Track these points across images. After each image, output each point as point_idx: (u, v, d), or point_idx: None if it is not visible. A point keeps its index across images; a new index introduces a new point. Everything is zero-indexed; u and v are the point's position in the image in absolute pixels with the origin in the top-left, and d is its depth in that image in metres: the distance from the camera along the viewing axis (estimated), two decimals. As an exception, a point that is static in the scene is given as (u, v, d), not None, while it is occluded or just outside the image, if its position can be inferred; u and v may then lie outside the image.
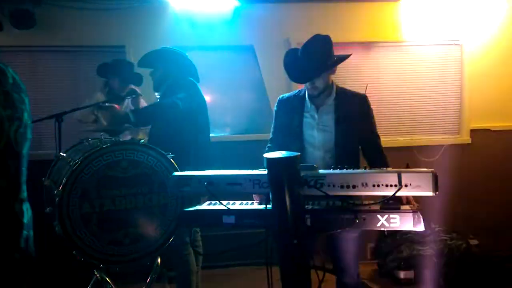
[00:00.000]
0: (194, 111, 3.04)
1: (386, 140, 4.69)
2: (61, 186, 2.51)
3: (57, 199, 2.49)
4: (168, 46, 3.38)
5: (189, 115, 2.97)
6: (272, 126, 2.82)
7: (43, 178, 3.02)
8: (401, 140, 4.89)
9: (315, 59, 2.49)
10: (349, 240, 2.56)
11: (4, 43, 4.32)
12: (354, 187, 1.69)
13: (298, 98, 2.70)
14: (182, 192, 2.04)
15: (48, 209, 2.93)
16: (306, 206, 1.82)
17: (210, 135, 3.27)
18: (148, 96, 3.78)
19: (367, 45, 4.81)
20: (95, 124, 4.23)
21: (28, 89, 4.17)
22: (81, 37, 4.44)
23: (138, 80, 3.90)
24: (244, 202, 2.00)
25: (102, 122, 3.74)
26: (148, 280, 2.91)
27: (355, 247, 2.61)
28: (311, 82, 2.55)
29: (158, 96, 3.21)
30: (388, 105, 4.89)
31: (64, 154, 3.02)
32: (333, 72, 2.62)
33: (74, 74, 4.55)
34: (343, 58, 2.62)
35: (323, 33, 2.59)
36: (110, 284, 2.77)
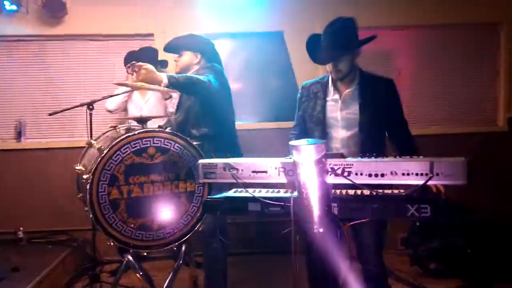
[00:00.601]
0: (224, 95, 3.02)
1: (419, 128, 4.63)
2: (91, 173, 2.56)
3: (87, 185, 2.54)
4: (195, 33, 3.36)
5: (220, 95, 2.94)
6: (296, 113, 2.77)
7: (75, 165, 3.09)
8: (435, 128, 4.75)
9: (338, 38, 2.43)
10: (374, 228, 2.51)
11: (37, 32, 4.41)
12: (382, 175, 1.64)
13: (322, 84, 2.64)
14: (208, 179, 2.03)
15: (80, 194, 3.01)
16: (332, 195, 1.79)
17: (237, 122, 3.25)
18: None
19: (400, 29, 4.68)
20: (124, 112, 4.31)
21: (60, 78, 4.31)
22: (110, 26, 4.48)
23: (163, 67, 3.93)
24: (271, 190, 1.98)
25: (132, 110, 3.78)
26: (175, 265, 2.95)
27: (379, 236, 2.55)
28: (334, 65, 2.48)
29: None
30: (423, 92, 4.75)
31: (95, 141, 3.07)
32: (357, 55, 2.54)
33: (105, 62, 4.60)
34: (368, 40, 2.53)
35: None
36: (139, 268, 2.82)
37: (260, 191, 1.97)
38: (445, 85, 4.77)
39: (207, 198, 2.18)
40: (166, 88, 2.63)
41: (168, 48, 3.20)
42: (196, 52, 3.10)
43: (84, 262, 3.96)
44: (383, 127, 2.58)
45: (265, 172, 1.85)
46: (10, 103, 4.55)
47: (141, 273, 2.87)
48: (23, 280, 3.15)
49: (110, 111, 4.21)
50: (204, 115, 2.95)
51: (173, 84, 2.61)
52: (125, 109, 4.28)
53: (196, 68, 3.07)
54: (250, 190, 1.94)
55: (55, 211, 4.31)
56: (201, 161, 2.04)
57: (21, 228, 4.12)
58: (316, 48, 2.51)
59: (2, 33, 4.41)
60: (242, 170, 1.87)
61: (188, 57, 3.10)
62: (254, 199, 1.90)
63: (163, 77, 2.56)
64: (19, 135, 4.52)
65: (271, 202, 1.86)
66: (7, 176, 4.36)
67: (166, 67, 4.02)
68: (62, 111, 3.52)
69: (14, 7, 4.25)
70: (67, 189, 3.73)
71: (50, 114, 3.51)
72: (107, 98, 3.62)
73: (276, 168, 1.82)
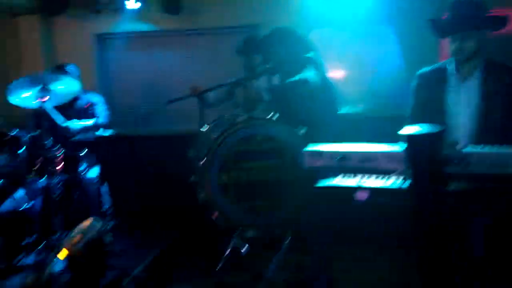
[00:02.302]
0: (321, 87, 3.01)
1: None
2: (202, 158, 2.72)
3: (199, 170, 2.71)
4: (280, 26, 3.36)
5: (318, 91, 2.95)
6: (411, 103, 2.63)
7: (188, 151, 3.30)
8: None
9: (470, 9, 2.25)
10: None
11: (155, 28, 4.75)
12: (505, 166, 1.52)
13: (440, 72, 2.47)
14: (314, 167, 2.04)
15: (192, 178, 3.21)
16: (449, 187, 1.69)
17: (343, 112, 3.22)
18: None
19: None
20: (230, 102, 4.45)
21: (175, 71, 4.55)
22: (218, 18, 4.67)
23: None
24: (381, 178, 1.93)
25: (238, 99, 3.90)
26: (280, 250, 3.01)
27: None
28: (462, 39, 2.29)
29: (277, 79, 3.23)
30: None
31: (206, 129, 3.25)
32: (485, 36, 2.33)
33: (213, 55, 4.82)
34: (500, 20, 2.30)
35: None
36: (246, 250, 2.93)
37: (368, 179, 1.94)
38: None
39: (313, 186, 2.19)
40: None
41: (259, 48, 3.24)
42: (286, 46, 3.15)
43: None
44: (509, 120, 2.35)
45: (375, 160, 1.81)
46: (131, 93, 4.98)
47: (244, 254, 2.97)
48: (142, 252, 3.46)
49: (210, 104, 4.32)
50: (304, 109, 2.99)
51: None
52: (229, 99, 4.42)
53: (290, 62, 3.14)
54: (358, 178, 1.91)
55: (168, 194, 4.59)
56: (307, 148, 2.05)
57: (142, 206, 4.48)
58: (439, 22, 2.35)
59: (124, 30, 4.83)
60: (350, 157, 1.85)
61: (279, 52, 3.18)
62: (361, 189, 1.87)
63: None
64: (136, 123, 4.93)
65: (380, 191, 1.82)
66: (129, 160, 4.75)
67: None
68: (176, 100, 3.78)
69: (137, 5, 4.61)
70: (181, 173, 3.98)
71: (167, 103, 3.79)
72: (216, 88, 3.79)
73: (387, 156, 1.77)
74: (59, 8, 4.68)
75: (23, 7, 4.68)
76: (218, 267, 3.00)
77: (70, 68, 4.03)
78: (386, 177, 2.03)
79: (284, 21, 3.72)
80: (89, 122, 3.82)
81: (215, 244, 3.42)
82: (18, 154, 3.32)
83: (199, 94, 3.62)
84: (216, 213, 2.74)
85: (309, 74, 2.89)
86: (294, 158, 2.73)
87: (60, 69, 4.01)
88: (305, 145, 2.65)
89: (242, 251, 2.99)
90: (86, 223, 3.02)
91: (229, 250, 3.16)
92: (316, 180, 2.70)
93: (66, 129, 3.60)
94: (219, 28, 4.75)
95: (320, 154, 1.94)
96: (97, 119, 3.90)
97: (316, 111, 2.99)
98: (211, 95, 3.95)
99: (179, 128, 4.84)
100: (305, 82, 2.83)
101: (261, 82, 4.02)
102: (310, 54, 3.12)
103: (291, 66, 3.06)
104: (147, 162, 4.68)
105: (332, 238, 3.22)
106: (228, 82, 3.96)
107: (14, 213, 3.32)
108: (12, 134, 3.33)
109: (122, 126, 4.39)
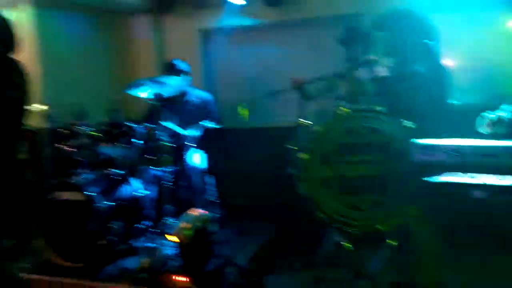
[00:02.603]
0: (434, 78, 2.81)
1: None
2: (303, 151, 2.71)
3: (300, 163, 2.70)
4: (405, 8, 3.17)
5: (430, 83, 2.76)
6: None
7: (287, 143, 3.31)
8: None
9: None
10: None
11: (257, 22, 4.82)
12: None
13: None
14: (424, 161, 1.92)
15: (291, 170, 3.21)
16: None
17: (455, 102, 2.98)
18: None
19: None
20: (331, 94, 4.36)
21: (277, 64, 4.57)
22: (320, 8, 4.59)
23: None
24: (500, 176, 1.76)
25: (340, 91, 3.81)
26: (383, 248, 2.90)
27: None
28: None
29: (389, 64, 3.06)
30: None
31: (307, 122, 3.22)
32: None
33: (315, 46, 4.76)
34: None
35: None
36: (348, 247, 2.87)
37: (485, 177, 1.78)
38: None
39: (422, 181, 2.07)
40: None
41: (376, 26, 3.09)
42: (406, 30, 2.95)
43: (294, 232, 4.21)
44: None
45: (494, 155, 1.65)
46: (233, 87, 5.13)
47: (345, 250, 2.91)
48: (246, 244, 3.56)
49: (311, 97, 4.25)
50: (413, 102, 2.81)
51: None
52: (330, 90, 4.33)
53: (406, 47, 2.95)
54: (474, 175, 1.76)
55: (268, 187, 4.65)
56: (418, 141, 1.94)
57: (243, 198, 4.60)
58: None
59: (227, 25, 4.96)
60: (466, 152, 1.71)
61: (397, 35, 3.00)
62: (480, 186, 1.72)
63: None
64: (243, 115, 5.05)
65: (502, 190, 1.65)
66: (233, 152, 4.85)
67: None
68: (278, 92, 3.81)
69: (240, 1, 4.71)
70: (281, 166, 4.01)
71: (267, 96, 3.84)
72: (317, 80, 3.74)
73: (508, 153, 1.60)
74: (169, 6, 4.98)
75: (138, 7, 5.05)
76: (318, 262, 2.98)
77: (179, 64, 4.26)
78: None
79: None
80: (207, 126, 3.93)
81: (315, 238, 3.41)
82: (134, 145, 3.60)
83: (300, 87, 3.61)
84: (317, 207, 2.71)
85: (421, 64, 2.70)
86: (401, 152, 2.60)
87: (170, 66, 4.25)
88: (413, 138, 2.53)
89: (343, 247, 2.93)
90: (194, 212, 3.18)
91: (329, 245, 3.13)
92: (425, 175, 2.55)
93: (186, 137, 3.77)
94: (321, 18, 4.68)
95: (431, 148, 1.82)
96: (213, 122, 4.00)
97: (427, 103, 2.80)
98: (312, 88, 3.91)
99: (280, 120, 4.88)
100: (416, 74, 2.65)
101: (364, 73, 3.89)
102: (429, 42, 2.91)
103: (405, 54, 2.89)
104: (249, 155, 4.79)
105: (441, 238, 3.02)
106: (329, 74, 3.90)
107: (132, 200, 3.61)
108: (128, 126, 3.62)
109: (226, 119, 4.53)
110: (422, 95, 2.76)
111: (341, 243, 2.91)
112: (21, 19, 4.37)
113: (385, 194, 2.63)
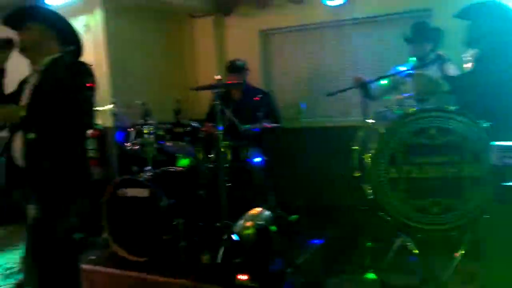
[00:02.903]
0: None
1: None
2: (370, 151, 2.63)
3: (367, 163, 2.63)
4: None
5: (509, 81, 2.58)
6: None
7: (351, 143, 3.23)
8: None
9: None
10: None
11: (317, 20, 4.77)
12: None
13: None
14: (504, 164, 1.80)
15: (357, 172, 3.14)
16: None
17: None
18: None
19: None
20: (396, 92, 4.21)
21: (337, 63, 4.43)
22: (383, 5, 4.46)
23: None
24: None
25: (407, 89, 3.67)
26: (456, 254, 2.74)
27: None
28: None
29: (468, 56, 2.90)
30: None
31: (371, 121, 3.13)
32: None
33: (377, 44, 4.64)
34: None
35: None
36: (413, 251, 2.76)
37: None
38: None
39: (501, 185, 1.94)
40: None
41: (460, 14, 2.91)
42: (492, 21, 2.78)
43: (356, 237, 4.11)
44: None
45: None
46: (294, 86, 5.10)
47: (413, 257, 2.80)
48: (304, 244, 3.52)
49: (373, 96, 4.10)
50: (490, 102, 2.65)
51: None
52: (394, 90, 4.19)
53: (489, 40, 2.78)
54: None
55: (329, 188, 4.59)
56: (497, 143, 1.82)
57: (300, 198, 4.54)
58: None
59: (286, 25, 4.95)
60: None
61: (481, 26, 2.82)
62: None
63: None
64: (300, 115, 5.02)
65: None
66: (290, 151, 4.81)
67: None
68: (338, 92, 3.74)
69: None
70: (341, 166, 3.93)
71: (328, 95, 3.77)
72: (383, 78, 3.63)
73: None
74: (231, 8, 5.04)
75: (199, 9, 5.16)
76: (383, 266, 2.88)
77: (240, 63, 4.28)
78: None
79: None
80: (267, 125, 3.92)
81: (379, 241, 3.30)
82: (196, 143, 3.67)
83: (362, 86, 3.52)
84: (382, 210, 2.62)
85: (500, 61, 2.53)
86: (475, 154, 2.46)
87: (231, 65, 4.30)
88: (490, 140, 2.38)
89: (410, 252, 2.82)
90: (255, 210, 3.19)
91: (395, 249, 3.02)
92: (503, 178, 2.39)
93: (246, 131, 3.78)
94: (384, 15, 4.54)
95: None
96: (272, 121, 3.98)
97: (507, 103, 2.62)
98: (374, 86, 3.80)
99: (341, 120, 4.79)
100: (491, 73, 2.49)
101: (433, 71, 3.73)
102: None
103: (490, 47, 2.73)
104: (308, 155, 4.74)
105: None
106: (392, 72, 3.77)
107: (194, 197, 3.68)
108: (191, 125, 3.70)
109: (285, 119, 4.51)
110: (506, 93, 2.59)
111: (408, 247, 2.80)
112: (94, 24, 4.60)
113: (459, 199, 2.50)
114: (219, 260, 3.08)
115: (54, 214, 2.15)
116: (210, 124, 3.85)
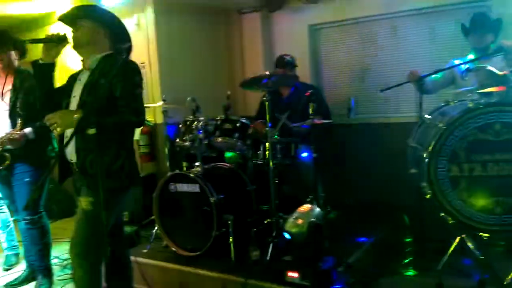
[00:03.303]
0: None
1: None
2: (429, 148, 2.51)
3: (425, 161, 2.51)
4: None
5: None
6: None
7: (407, 140, 3.11)
8: None
9: None
10: None
11: (368, 13, 4.64)
12: None
13: None
14: None
15: (412, 169, 3.02)
16: None
17: None
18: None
19: None
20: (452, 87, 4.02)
21: (389, 56, 4.29)
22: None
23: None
24: None
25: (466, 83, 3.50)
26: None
27: None
28: None
29: None
30: None
31: (429, 116, 3.00)
32: None
33: (431, 36, 4.44)
34: None
35: None
36: (475, 253, 2.62)
37: None
38: None
39: None
40: None
41: None
42: None
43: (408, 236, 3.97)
44: None
45: None
46: (344, 81, 4.99)
47: (478, 257, 2.65)
48: (355, 243, 3.44)
49: (429, 90, 3.90)
50: None
51: None
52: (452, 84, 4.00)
53: None
54: None
55: (381, 184, 4.45)
56: None
57: (350, 196, 4.44)
58: None
59: (336, 19, 4.85)
60: None
61: None
62: None
63: None
64: (349, 111, 4.91)
65: None
66: (340, 148, 4.70)
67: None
68: (392, 87, 3.62)
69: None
70: (394, 164, 3.81)
71: (381, 91, 3.65)
72: (438, 72, 3.48)
73: None
74: (280, 4, 5.00)
75: (250, 5, 5.14)
76: (439, 268, 2.75)
77: (289, 59, 4.23)
78: None
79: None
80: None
81: (436, 242, 3.17)
82: (245, 139, 3.66)
83: (418, 80, 3.39)
84: (441, 209, 2.50)
85: None
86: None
87: (280, 60, 4.25)
88: None
89: (468, 253, 2.68)
90: (306, 208, 3.14)
91: (452, 251, 2.88)
92: None
93: (295, 128, 3.72)
94: (439, 6, 4.34)
95: None
96: (322, 117, 3.89)
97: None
98: (430, 81, 3.65)
99: (394, 115, 4.64)
100: None
101: (494, 63, 3.53)
102: None
103: None
104: (360, 152, 4.62)
105: None
106: (450, 65, 3.60)
107: (241, 193, 3.68)
108: (240, 121, 3.69)
109: (335, 115, 4.43)
110: None
111: (467, 249, 2.66)
112: (145, 23, 4.70)
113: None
114: (268, 257, 3.06)
115: (108, 205, 2.20)
116: (259, 121, 3.82)
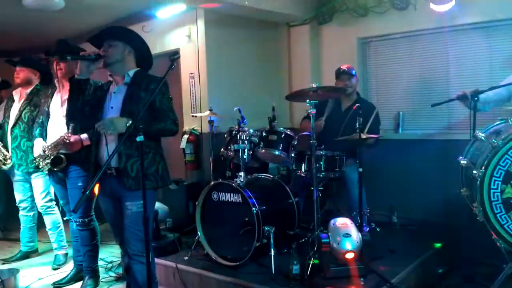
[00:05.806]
0: None
1: None
2: (482, 168, 2.40)
3: (478, 181, 2.40)
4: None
5: None
6: None
7: (459, 158, 2.99)
8: None
9: None
10: None
11: (421, 27, 4.51)
12: None
13: None
14: None
15: (463, 189, 2.88)
16: None
17: None
18: None
19: None
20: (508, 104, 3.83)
21: (441, 72, 4.15)
22: (494, 10, 4.10)
23: None
24: None
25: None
26: None
27: None
28: None
29: None
30: None
31: (483, 134, 2.87)
32: None
33: (489, 51, 4.27)
34: None
35: None
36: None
37: None
38: None
39: None
40: None
41: None
42: None
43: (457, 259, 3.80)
44: None
45: None
46: (392, 96, 4.89)
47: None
48: (399, 262, 3.31)
49: (483, 107, 3.70)
50: None
51: None
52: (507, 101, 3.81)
53: None
54: None
55: (429, 204, 4.28)
56: None
57: (395, 213, 4.31)
58: None
59: (386, 32, 4.76)
60: None
61: None
62: None
63: None
64: (397, 126, 4.79)
65: None
66: (386, 164, 4.54)
67: None
68: (443, 102, 3.50)
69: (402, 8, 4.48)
70: (444, 182, 3.67)
71: (432, 105, 3.55)
72: (494, 88, 3.33)
73: None
74: (329, 17, 4.98)
75: (299, 18, 5.16)
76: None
77: (350, 69, 4.07)
78: None
79: None
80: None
81: (487, 266, 3.02)
82: (291, 150, 3.64)
83: (472, 97, 3.27)
84: (493, 232, 2.37)
85: None
86: None
87: (341, 70, 4.09)
88: None
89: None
90: (348, 223, 3.07)
91: (501, 275, 2.72)
92: None
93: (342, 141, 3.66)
94: (494, 21, 4.17)
95: None
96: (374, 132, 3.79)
97: None
98: (485, 97, 3.50)
99: (444, 132, 4.48)
100: None
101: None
102: None
103: None
104: (407, 168, 4.48)
105: None
106: (507, 82, 3.44)
107: (283, 205, 3.66)
108: (285, 133, 3.68)
109: (382, 129, 4.32)
110: None
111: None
112: (195, 34, 4.81)
113: None
114: (308, 273, 3.02)
115: (151, 206, 2.38)
116: (304, 133, 3.80)
